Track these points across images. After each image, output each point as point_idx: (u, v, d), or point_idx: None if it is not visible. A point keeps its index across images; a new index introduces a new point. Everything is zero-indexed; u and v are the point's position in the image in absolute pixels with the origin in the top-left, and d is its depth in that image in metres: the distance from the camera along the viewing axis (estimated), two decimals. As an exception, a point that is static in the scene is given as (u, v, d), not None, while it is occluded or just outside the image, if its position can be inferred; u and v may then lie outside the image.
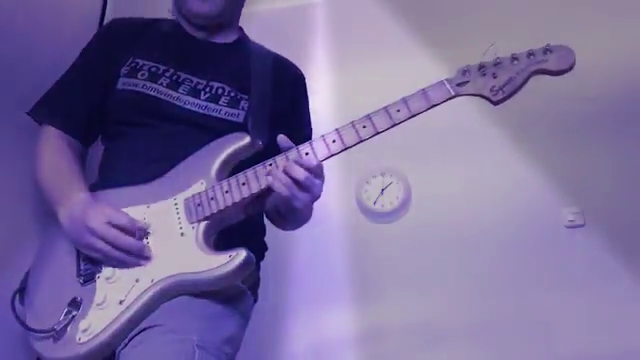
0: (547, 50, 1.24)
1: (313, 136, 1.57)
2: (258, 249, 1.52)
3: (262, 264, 1.58)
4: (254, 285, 1.51)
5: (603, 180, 2.21)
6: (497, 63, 1.26)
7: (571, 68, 1.23)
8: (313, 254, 2.35)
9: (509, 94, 1.24)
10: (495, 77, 1.25)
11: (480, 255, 2.23)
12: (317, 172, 1.28)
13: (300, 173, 1.25)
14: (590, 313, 2.08)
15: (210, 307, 1.30)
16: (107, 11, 2.16)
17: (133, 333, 1.24)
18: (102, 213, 1.30)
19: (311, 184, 1.27)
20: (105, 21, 2.13)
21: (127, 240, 1.29)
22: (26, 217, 1.66)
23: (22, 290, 1.37)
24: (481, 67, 1.27)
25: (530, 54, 1.25)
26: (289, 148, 1.30)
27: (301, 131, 1.61)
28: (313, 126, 1.69)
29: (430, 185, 2.36)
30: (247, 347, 1.46)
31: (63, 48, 1.74)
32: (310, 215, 1.52)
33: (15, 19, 1.67)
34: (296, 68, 1.69)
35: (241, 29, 1.69)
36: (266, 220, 1.62)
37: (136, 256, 1.29)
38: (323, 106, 2.33)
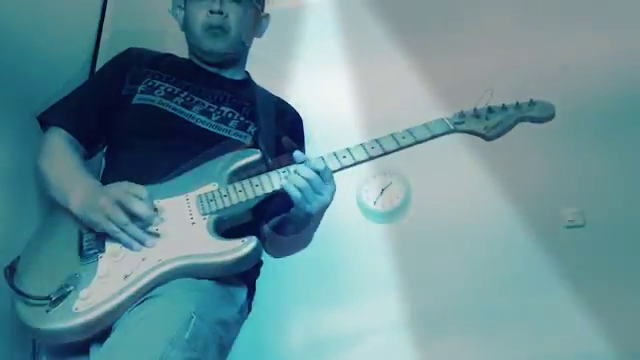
0: (532, 103, 1.46)
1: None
2: (256, 265, 1.53)
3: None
4: (251, 290, 1.52)
5: (603, 180, 2.21)
6: (489, 110, 1.46)
7: (550, 118, 1.47)
8: (313, 254, 2.34)
9: (500, 133, 1.45)
10: (487, 119, 1.45)
11: (480, 255, 2.23)
12: (326, 176, 1.36)
13: (310, 173, 1.34)
14: (590, 313, 2.08)
15: (210, 288, 1.31)
16: (107, 11, 2.16)
17: (133, 306, 1.24)
18: (115, 195, 1.30)
19: (320, 185, 1.35)
20: (105, 22, 2.13)
21: (135, 231, 1.30)
22: (24, 218, 1.66)
23: (12, 269, 1.32)
24: (475, 111, 1.46)
25: (518, 105, 1.47)
26: (303, 162, 1.38)
27: None
28: (315, 129, 1.79)
29: (430, 185, 2.36)
30: (246, 347, 1.47)
31: (63, 47, 1.75)
32: (314, 230, 1.57)
33: (15, 19, 1.67)
34: (295, 111, 1.79)
35: (247, 73, 1.78)
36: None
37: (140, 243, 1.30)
38: (322, 107, 2.34)
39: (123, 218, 1.29)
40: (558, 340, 2.08)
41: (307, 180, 1.34)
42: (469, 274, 2.22)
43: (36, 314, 1.23)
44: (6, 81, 1.64)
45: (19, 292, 1.26)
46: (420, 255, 2.28)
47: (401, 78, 2.41)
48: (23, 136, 1.65)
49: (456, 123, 1.45)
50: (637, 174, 2.20)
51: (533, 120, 1.46)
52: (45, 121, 1.56)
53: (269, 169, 1.43)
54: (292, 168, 1.38)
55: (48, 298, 1.23)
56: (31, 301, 1.24)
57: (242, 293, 1.45)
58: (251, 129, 1.59)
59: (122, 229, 1.29)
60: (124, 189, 1.32)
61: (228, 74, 1.70)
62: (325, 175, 1.36)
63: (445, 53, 2.39)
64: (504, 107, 1.46)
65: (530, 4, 2.43)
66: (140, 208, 1.29)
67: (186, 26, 1.69)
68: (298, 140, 1.71)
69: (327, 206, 1.40)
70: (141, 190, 1.32)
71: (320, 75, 2.48)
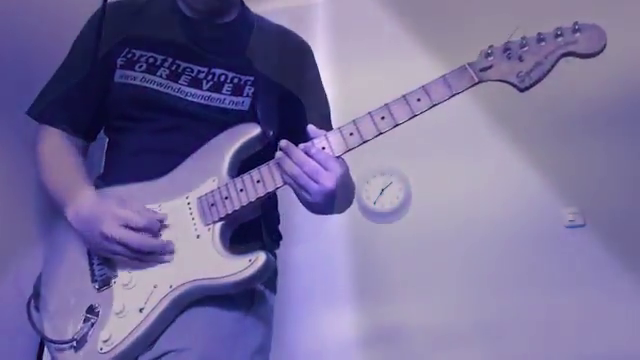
0: (576, 29, 1.14)
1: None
2: (274, 240, 1.49)
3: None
4: (272, 278, 1.46)
5: (603, 180, 2.22)
6: (523, 45, 1.16)
7: (602, 50, 1.13)
8: (313, 254, 2.35)
9: (536, 80, 1.14)
10: (522, 60, 1.15)
11: (480, 255, 2.23)
12: (320, 159, 1.20)
13: (304, 160, 1.20)
14: (590, 313, 2.08)
15: (235, 323, 1.29)
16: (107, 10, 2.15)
17: (158, 352, 1.23)
18: (116, 216, 1.26)
19: (315, 172, 1.19)
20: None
21: (150, 242, 1.26)
22: (25, 219, 1.65)
23: (36, 295, 1.33)
24: (506, 49, 1.16)
25: (558, 34, 1.15)
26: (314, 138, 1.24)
27: (316, 108, 1.53)
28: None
29: (430, 185, 2.37)
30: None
31: (63, 47, 1.73)
32: (349, 199, 1.46)
33: (15, 19, 1.67)
34: (301, 41, 1.59)
35: (242, 3, 1.58)
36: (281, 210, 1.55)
37: (160, 254, 1.27)
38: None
39: (130, 253, 1.26)
40: (558, 340, 2.08)
41: (298, 165, 1.20)
42: (468, 273, 2.22)
43: (65, 354, 1.27)
44: (4, 79, 1.63)
45: (46, 338, 1.28)
46: (420, 254, 2.28)
47: (404, 77, 2.40)
48: (24, 135, 1.64)
49: (482, 70, 1.16)
50: (637, 174, 2.20)
51: (578, 55, 1.13)
52: (37, 119, 1.48)
53: (269, 143, 1.35)
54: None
55: (72, 340, 1.25)
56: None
57: (264, 304, 1.39)
58: (248, 90, 1.42)
59: (131, 260, 1.28)
60: (118, 224, 1.26)
61: (218, 19, 1.50)
62: (318, 159, 1.20)
63: (445, 53, 2.39)
64: (541, 39, 1.15)
65: (530, 3, 2.43)
66: (150, 245, 1.27)
67: None
68: (308, 74, 1.56)
69: (329, 192, 1.20)
70: (141, 220, 1.26)
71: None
